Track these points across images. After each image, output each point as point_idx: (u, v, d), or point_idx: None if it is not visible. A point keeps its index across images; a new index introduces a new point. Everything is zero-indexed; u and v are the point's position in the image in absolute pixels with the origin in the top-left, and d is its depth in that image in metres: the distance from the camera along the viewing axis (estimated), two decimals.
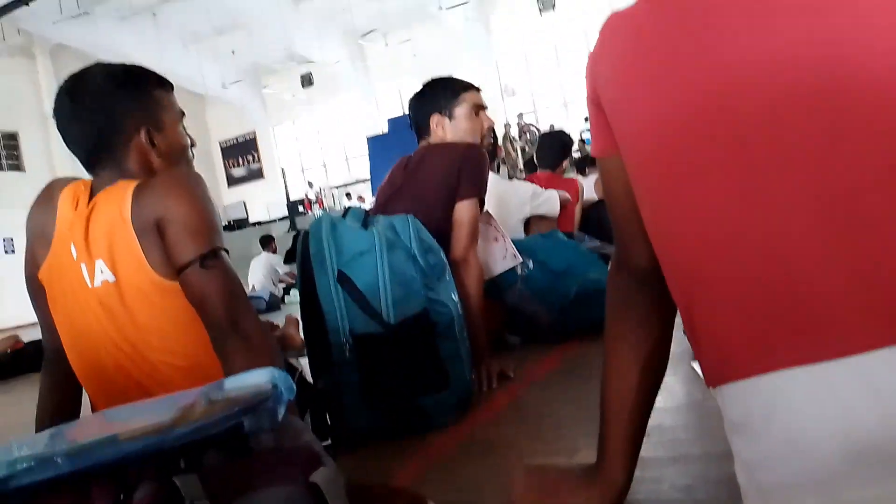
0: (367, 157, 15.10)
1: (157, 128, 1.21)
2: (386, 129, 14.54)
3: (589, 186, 4.21)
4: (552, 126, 14.42)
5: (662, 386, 0.88)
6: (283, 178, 18.86)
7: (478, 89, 2.15)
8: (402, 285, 1.55)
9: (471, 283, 1.91)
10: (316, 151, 21.74)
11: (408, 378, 1.53)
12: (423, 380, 1.54)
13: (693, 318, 0.70)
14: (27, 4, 10.00)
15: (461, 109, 2.08)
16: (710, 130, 0.65)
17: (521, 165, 14.13)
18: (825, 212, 0.59)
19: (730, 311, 0.65)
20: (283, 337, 2.10)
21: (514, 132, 15.17)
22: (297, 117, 21.47)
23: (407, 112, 2.25)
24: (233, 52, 18.10)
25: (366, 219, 1.70)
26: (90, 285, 1.12)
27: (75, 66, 1.25)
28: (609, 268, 0.90)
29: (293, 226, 16.84)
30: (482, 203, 2.02)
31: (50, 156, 16.15)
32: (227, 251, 1.13)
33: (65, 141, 1.20)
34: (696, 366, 1.39)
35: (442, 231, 1.88)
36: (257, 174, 22.27)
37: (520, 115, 16.01)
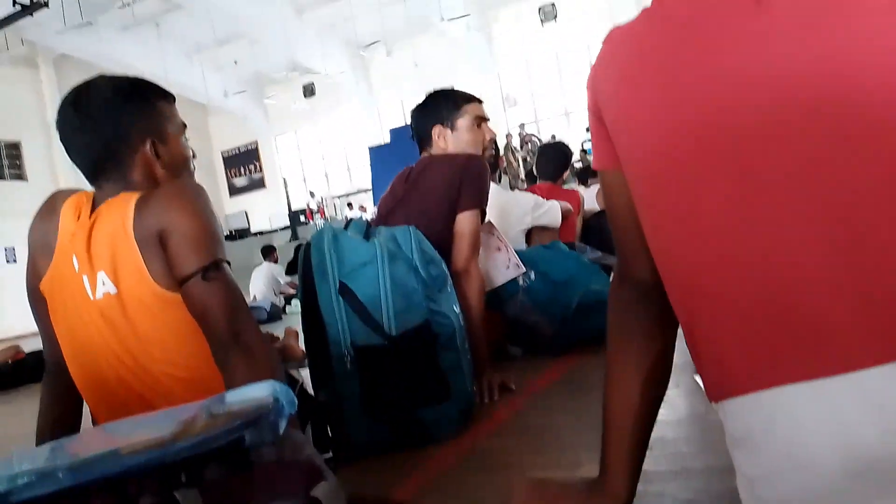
0: (369, 167, 15.14)
1: (162, 140, 1.22)
2: (387, 139, 14.59)
3: (590, 197, 4.21)
4: (553, 136, 14.48)
5: (665, 398, 0.88)
6: (285, 187, 18.92)
7: (480, 101, 2.16)
8: (404, 297, 1.55)
9: (472, 295, 1.91)
10: (317, 161, 21.80)
11: (409, 390, 1.53)
12: (424, 391, 1.54)
13: (694, 332, 0.70)
14: (31, 15, 10.05)
15: (463, 121, 2.09)
16: (709, 146, 0.65)
17: (522, 175, 14.17)
18: (826, 227, 0.59)
19: (731, 327, 0.65)
20: (283, 348, 2.10)
21: (516, 142, 15.21)
22: (298, 127, 21.54)
23: (408, 122, 2.26)
24: (235, 63, 18.20)
25: (367, 230, 1.70)
26: (92, 297, 1.12)
27: (78, 76, 1.25)
28: (611, 281, 0.90)
29: (295, 235, 16.88)
30: (483, 214, 2.03)
31: (52, 165, 16.21)
32: (228, 263, 1.13)
33: (68, 152, 1.20)
34: (699, 378, 1.38)
35: (443, 242, 1.89)
36: (259, 184, 22.33)
37: (521, 126, 16.06)
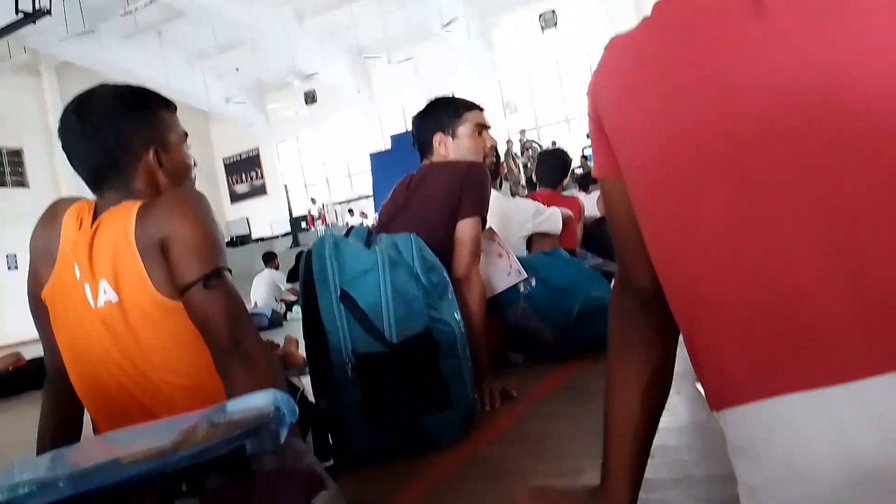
0: (370, 173, 15.16)
1: (165, 148, 1.22)
2: (388, 146, 14.62)
3: (591, 203, 4.21)
4: (554, 143, 14.49)
5: (666, 406, 0.88)
6: (286, 194, 18.92)
7: (481, 109, 2.17)
8: (405, 304, 1.55)
9: (473, 302, 1.91)
10: (319, 167, 21.82)
11: (410, 397, 1.53)
12: (425, 399, 1.53)
13: (695, 341, 0.70)
14: (34, 23, 10.09)
15: (464, 128, 2.10)
16: (710, 154, 0.65)
17: (523, 182, 14.18)
18: (825, 236, 0.60)
19: (731, 335, 0.65)
20: (284, 356, 2.10)
21: (517, 149, 15.23)
22: (300, 134, 21.57)
23: (409, 128, 2.26)
24: (237, 70, 18.24)
25: (369, 237, 1.70)
26: (93, 305, 1.13)
27: (81, 84, 1.26)
28: (612, 288, 0.90)
29: (296, 242, 16.87)
30: (484, 221, 2.03)
31: (54, 172, 16.23)
32: (230, 271, 1.14)
33: (70, 160, 1.21)
34: (700, 386, 1.38)
35: (444, 249, 1.89)
36: (260, 190, 22.35)
37: (522, 132, 16.08)
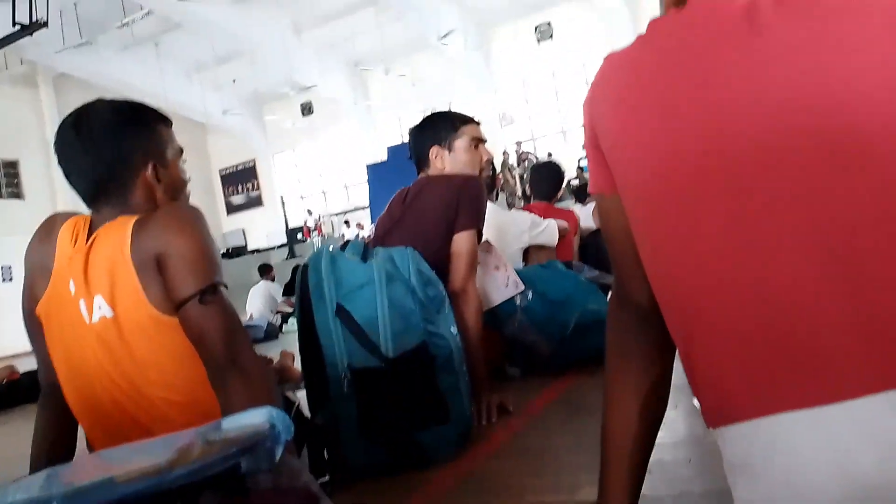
0: (366, 185, 15.17)
1: (163, 163, 1.22)
2: (385, 157, 14.63)
3: (587, 215, 4.22)
4: (550, 154, 14.54)
5: (664, 420, 0.88)
6: (282, 205, 18.93)
7: (477, 123, 2.18)
8: (401, 318, 1.54)
9: (470, 315, 1.91)
10: (315, 179, 21.85)
11: (407, 412, 1.52)
12: (422, 414, 1.53)
13: (692, 358, 0.70)
14: (31, 34, 10.10)
15: (460, 142, 2.11)
16: (707, 170, 0.65)
17: (519, 193, 14.21)
18: (822, 254, 0.60)
19: (729, 352, 0.65)
20: (281, 369, 2.09)
21: (513, 160, 15.27)
22: (297, 145, 21.61)
23: (406, 140, 2.27)
24: (234, 81, 18.29)
25: (365, 251, 1.70)
26: (88, 321, 1.12)
27: (78, 95, 1.26)
28: (609, 304, 0.90)
29: (292, 253, 16.86)
30: (480, 234, 2.03)
31: (50, 184, 16.21)
32: (226, 286, 1.13)
33: (67, 175, 1.20)
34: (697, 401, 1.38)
35: (441, 263, 1.89)
36: (256, 202, 22.35)
37: (518, 143, 16.13)
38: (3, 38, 10.26)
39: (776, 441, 0.61)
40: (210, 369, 1.08)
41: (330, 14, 16.17)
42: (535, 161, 13.21)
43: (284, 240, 18.29)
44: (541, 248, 3.08)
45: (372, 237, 2.16)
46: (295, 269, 1.69)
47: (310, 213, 19.00)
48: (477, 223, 1.99)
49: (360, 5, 15.94)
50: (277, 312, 8.78)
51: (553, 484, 1.32)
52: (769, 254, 0.62)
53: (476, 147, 2.13)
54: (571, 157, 14.72)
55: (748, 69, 0.64)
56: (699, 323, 0.68)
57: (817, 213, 0.60)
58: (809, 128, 0.60)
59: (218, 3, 14.19)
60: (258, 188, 22.29)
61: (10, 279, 14.64)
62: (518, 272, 2.42)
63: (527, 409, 1.93)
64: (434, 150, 2.11)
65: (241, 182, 22.52)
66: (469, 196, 1.97)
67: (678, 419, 1.51)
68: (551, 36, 17.28)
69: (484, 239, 2.12)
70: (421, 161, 2.15)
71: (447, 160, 2.10)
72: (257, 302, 8.59)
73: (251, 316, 8.40)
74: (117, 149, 1.17)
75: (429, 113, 2.25)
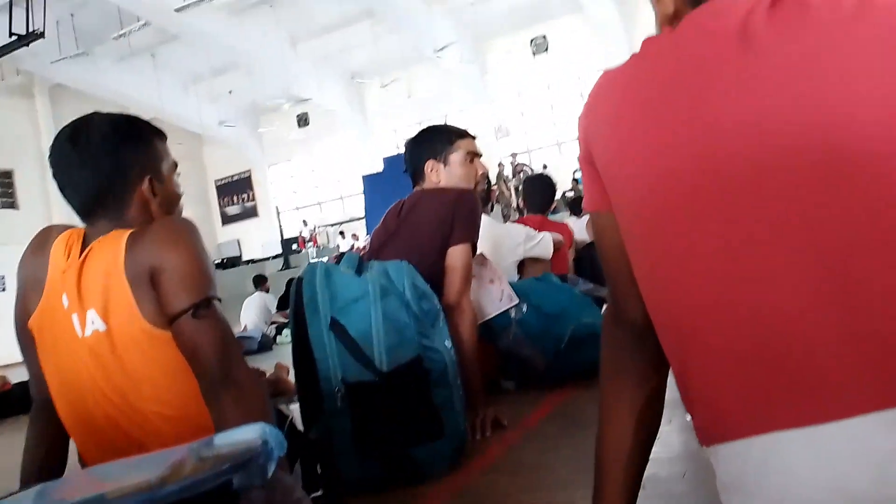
0: (362, 196, 15.16)
1: (159, 178, 1.22)
2: (381, 168, 14.64)
3: (581, 228, 4.23)
4: (545, 166, 14.59)
5: (658, 435, 0.88)
6: (278, 216, 18.92)
7: (473, 137, 2.19)
8: (396, 332, 1.54)
9: (464, 329, 1.91)
10: (311, 190, 21.85)
11: (401, 426, 1.52)
12: (416, 428, 1.52)
13: (686, 376, 0.70)
14: (27, 45, 10.12)
15: (456, 156, 2.11)
16: (701, 192, 0.65)
17: (514, 204, 14.24)
18: (817, 274, 0.60)
19: (724, 371, 0.65)
20: (276, 381, 2.08)
21: (508, 172, 15.32)
22: (292, 156, 21.63)
23: (402, 151, 2.28)
24: (230, 93, 18.33)
25: (360, 265, 1.70)
26: (80, 335, 1.11)
27: (74, 106, 1.27)
28: (603, 320, 0.90)
29: (287, 264, 16.83)
30: (475, 248, 2.03)
31: (45, 194, 16.17)
32: (220, 300, 1.13)
33: (62, 188, 1.20)
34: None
35: (435, 276, 1.89)
36: (252, 212, 22.34)
37: (513, 155, 16.18)
38: (0, 49, 10.27)
39: (770, 459, 0.61)
40: (203, 384, 1.08)
41: (326, 26, 16.24)
42: (530, 172, 13.25)
43: (279, 250, 18.26)
44: (536, 260, 3.08)
45: (367, 249, 2.16)
46: (289, 283, 1.68)
47: (305, 223, 18.99)
48: (472, 237, 2.00)
49: (357, 18, 16.01)
50: (272, 323, 8.75)
51: (548, 500, 1.32)
52: (764, 274, 0.62)
53: (471, 161, 2.14)
54: (567, 169, 14.78)
55: (742, 88, 0.64)
56: (694, 341, 0.68)
57: (812, 233, 0.60)
58: (804, 147, 0.60)
59: (214, 15, 14.23)
60: (253, 199, 22.29)
61: (4, 289, 14.56)
62: (513, 285, 2.42)
63: (522, 422, 1.92)
64: (430, 164, 2.11)
65: (236, 193, 22.51)
66: (464, 210, 1.97)
67: (672, 434, 1.50)
68: (546, 49, 17.38)
69: (479, 252, 2.12)
70: (416, 174, 2.16)
71: (442, 174, 2.11)
72: (251, 313, 8.55)
73: (245, 327, 8.36)
74: (115, 163, 1.17)
75: (425, 125, 2.26)
